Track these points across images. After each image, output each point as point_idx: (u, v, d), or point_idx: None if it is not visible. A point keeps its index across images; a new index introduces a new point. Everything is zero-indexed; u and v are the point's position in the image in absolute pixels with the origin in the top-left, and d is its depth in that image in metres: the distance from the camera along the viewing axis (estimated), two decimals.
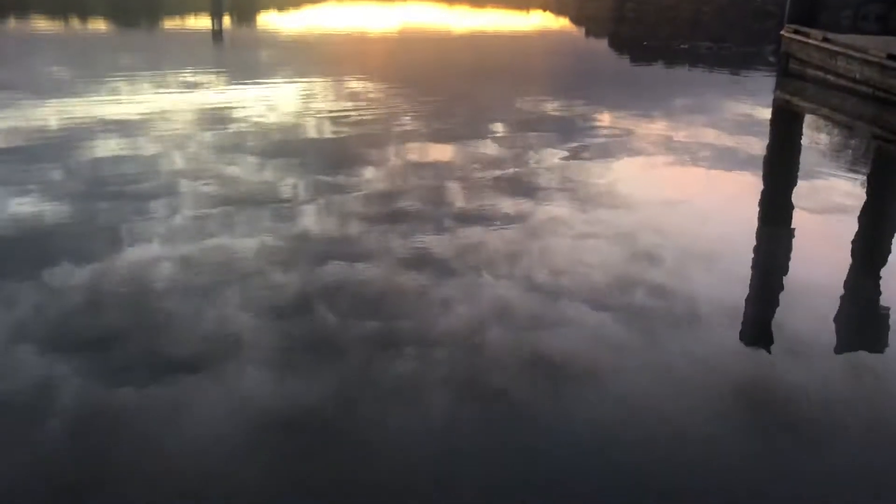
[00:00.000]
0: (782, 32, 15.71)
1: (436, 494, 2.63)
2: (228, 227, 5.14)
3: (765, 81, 14.49)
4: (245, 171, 6.56)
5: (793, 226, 5.74)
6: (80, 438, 2.86)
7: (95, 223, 5.17)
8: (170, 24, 29.22)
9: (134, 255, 4.64)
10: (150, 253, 4.68)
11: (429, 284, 4.31)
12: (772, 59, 17.61)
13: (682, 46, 20.20)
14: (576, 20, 42.77)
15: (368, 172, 6.64)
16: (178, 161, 6.82)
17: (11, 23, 24.91)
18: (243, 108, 9.47)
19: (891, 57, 10.72)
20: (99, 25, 26.27)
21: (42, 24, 24.94)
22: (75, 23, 27.16)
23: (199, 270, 4.41)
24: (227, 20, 33.59)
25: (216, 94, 10.60)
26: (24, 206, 5.45)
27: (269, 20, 34.03)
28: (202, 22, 31.25)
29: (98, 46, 18.35)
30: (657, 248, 4.97)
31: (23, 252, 4.65)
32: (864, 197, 6.63)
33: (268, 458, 2.78)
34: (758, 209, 6.15)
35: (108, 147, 7.22)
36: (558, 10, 60.83)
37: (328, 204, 5.71)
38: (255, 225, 5.20)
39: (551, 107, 10.38)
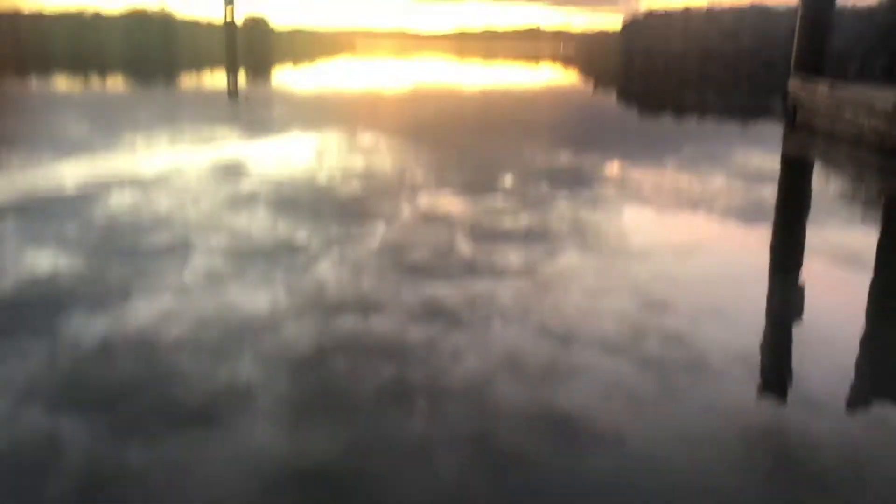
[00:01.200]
0: (789, 83, 15.89)
1: None
2: (240, 280, 5.18)
3: (773, 132, 14.59)
4: (258, 225, 6.63)
5: (805, 275, 5.73)
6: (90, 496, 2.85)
7: (108, 277, 5.21)
8: (186, 81, 29.83)
9: (146, 308, 4.67)
10: (163, 305, 4.71)
11: (440, 334, 4.31)
12: (779, 110, 17.75)
13: (690, 100, 20.41)
14: (585, 72, 43.44)
15: (381, 225, 6.69)
16: (192, 215, 6.91)
17: (32, 81, 25.51)
18: (257, 163, 9.62)
19: None
20: (117, 83, 26.85)
21: (62, 83, 25.52)
22: (94, 81, 27.78)
23: (212, 322, 4.44)
24: (241, 76, 34.34)
25: (230, 150, 10.77)
26: (39, 260, 5.52)
27: (283, 75, 34.71)
28: (218, 79, 31.91)
29: (115, 104, 18.73)
30: (669, 297, 4.96)
31: (36, 306, 4.69)
32: (876, 247, 6.62)
33: None
34: (769, 258, 6.14)
35: (123, 203, 7.32)
36: (566, 63, 61.76)
37: (341, 256, 5.75)
38: (267, 277, 5.24)
39: (562, 159, 10.49)
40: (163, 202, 7.31)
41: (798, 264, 5.99)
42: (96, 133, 12.19)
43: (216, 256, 5.68)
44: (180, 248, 5.84)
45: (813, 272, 5.76)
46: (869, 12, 45.95)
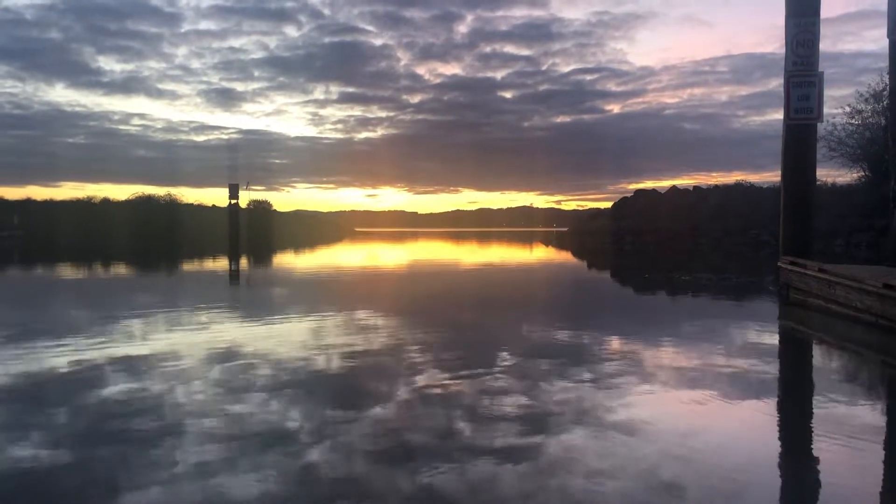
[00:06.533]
0: (779, 264, 16.21)
1: None
2: (232, 467, 4.98)
3: (768, 310, 14.69)
4: (251, 408, 6.48)
5: (815, 454, 5.52)
6: None
7: (97, 467, 5.02)
8: (189, 263, 30.40)
9: (138, 498, 4.46)
10: (154, 496, 4.49)
11: None
12: (772, 288, 17.97)
13: (683, 278, 20.72)
14: (577, 254, 44.50)
15: (377, 406, 6.55)
16: (184, 399, 6.77)
17: (38, 269, 25.98)
18: (254, 344, 9.59)
19: (887, 286, 10.95)
20: (120, 267, 27.35)
21: (66, 269, 25.98)
22: (99, 264, 28.30)
23: None
24: (244, 257, 34.99)
25: (228, 331, 10.78)
26: (25, 451, 5.34)
27: (284, 260, 35.47)
28: (220, 261, 32.54)
29: (117, 288, 18.98)
30: (677, 481, 4.75)
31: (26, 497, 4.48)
32: (886, 425, 6.45)
33: None
34: (777, 437, 5.96)
35: (113, 388, 7.21)
36: (559, 245, 63.58)
37: (335, 440, 5.57)
38: (261, 464, 5.04)
39: (560, 336, 10.47)
40: (154, 388, 7.19)
41: (807, 443, 5.80)
42: (95, 318, 12.25)
43: (207, 442, 5.50)
44: (168, 435, 5.66)
45: (822, 452, 5.56)
46: (848, 189, 47.98)
